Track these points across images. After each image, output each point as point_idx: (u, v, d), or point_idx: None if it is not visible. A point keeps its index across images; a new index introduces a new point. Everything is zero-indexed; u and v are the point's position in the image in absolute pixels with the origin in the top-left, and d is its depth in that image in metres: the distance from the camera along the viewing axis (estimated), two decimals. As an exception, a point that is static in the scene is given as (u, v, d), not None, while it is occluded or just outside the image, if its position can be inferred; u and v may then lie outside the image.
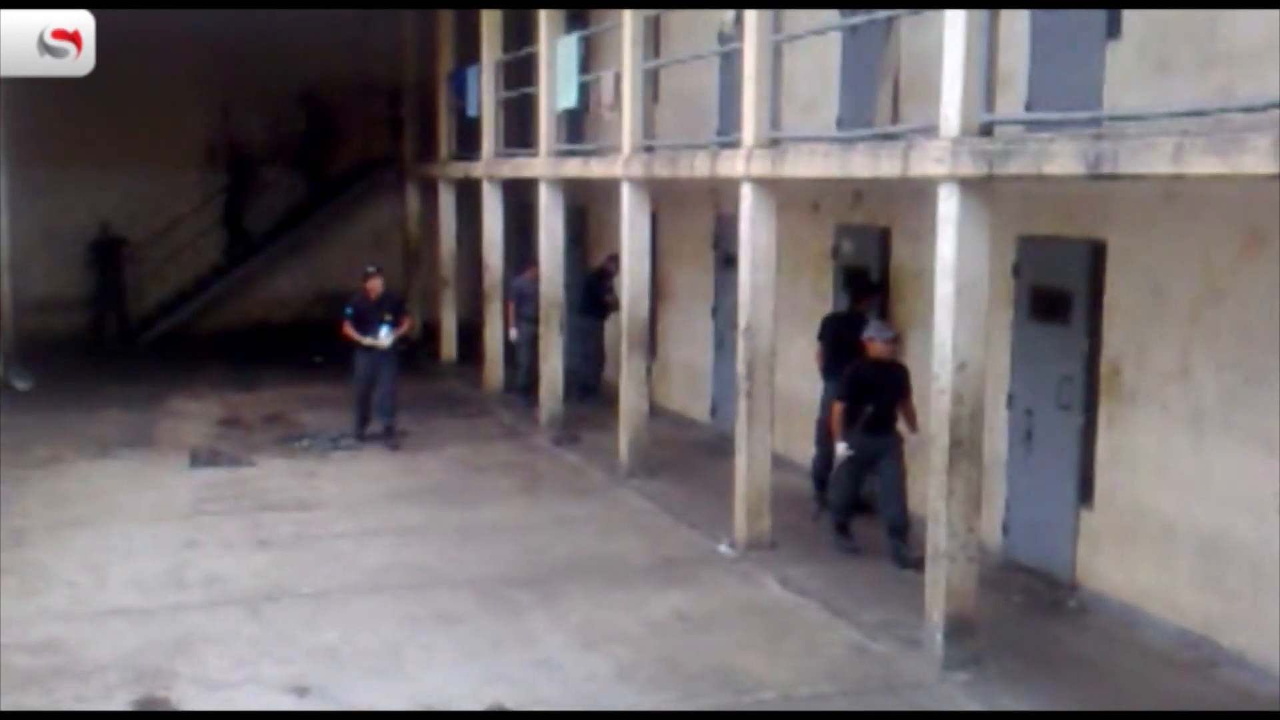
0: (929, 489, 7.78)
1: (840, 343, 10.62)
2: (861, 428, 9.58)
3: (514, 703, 7.08)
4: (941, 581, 7.62)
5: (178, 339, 21.89)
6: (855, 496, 10.00)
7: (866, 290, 11.05)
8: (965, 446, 7.56)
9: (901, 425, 9.68)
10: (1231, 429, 7.60)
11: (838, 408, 9.72)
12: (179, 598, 9.05)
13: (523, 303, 15.65)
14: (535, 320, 15.02)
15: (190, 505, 11.53)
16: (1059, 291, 9.05)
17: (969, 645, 7.64)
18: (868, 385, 9.62)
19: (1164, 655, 7.84)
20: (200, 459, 13.15)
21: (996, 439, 9.24)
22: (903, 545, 9.54)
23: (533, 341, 15.22)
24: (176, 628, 8.38)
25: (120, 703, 7.17)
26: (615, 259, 15.39)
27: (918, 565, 8.36)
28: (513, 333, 15.89)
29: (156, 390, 17.20)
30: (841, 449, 9.73)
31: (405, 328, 14.13)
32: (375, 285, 13.76)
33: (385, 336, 13.65)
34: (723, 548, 10.12)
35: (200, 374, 18.55)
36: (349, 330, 13.69)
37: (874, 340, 9.68)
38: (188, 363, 19.67)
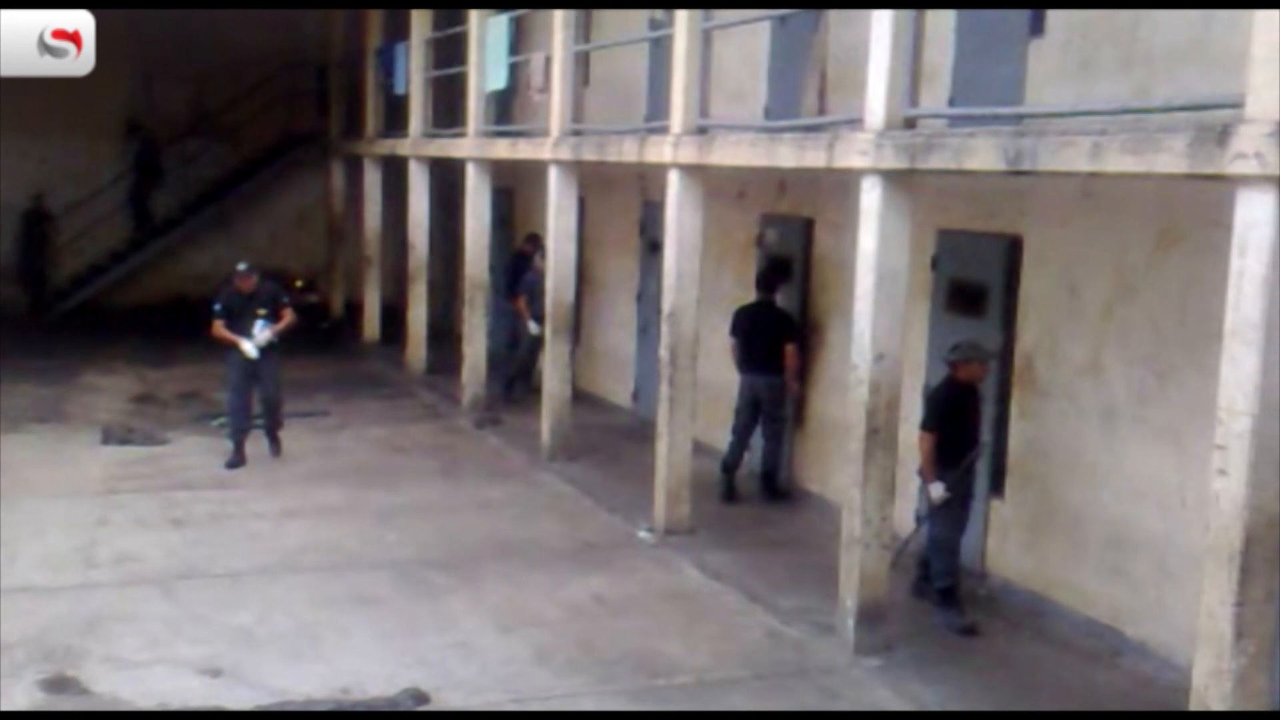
0: (845, 477, 7.88)
1: (755, 335, 10.74)
2: (956, 461, 8.15)
3: (431, 685, 7.07)
4: (855, 568, 7.72)
5: (92, 313, 21.49)
6: (959, 547, 8.39)
7: (776, 275, 11.02)
8: (881, 435, 7.67)
9: None
10: (1141, 423, 7.77)
11: (929, 441, 8.14)
12: (90, 576, 8.92)
13: (533, 300, 14.12)
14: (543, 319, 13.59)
15: (102, 482, 11.36)
16: (976, 285, 9.18)
17: (881, 631, 7.76)
18: (963, 414, 8.22)
19: (1070, 644, 8.01)
20: (113, 435, 12.94)
21: (911, 429, 9.35)
22: (955, 609, 8.27)
23: (538, 344, 13.88)
24: (87, 606, 8.26)
25: (28, 681, 7.06)
26: (534, 240, 15.38)
27: (972, 631, 8.09)
28: (533, 326, 14.26)
29: (69, 364, 16.90)
30: (938, 492, 8.12)
31: (286, 322, 12.20)
32: (246, 285, 12.11)
33: (260, 334, 11.98)
34: (642, 533, 10.17)
35: (115, 349, 18.24)
36: (220, 330, 12.06)
37: (971, 362, 8.19)
38: (102, 337, 19.32)
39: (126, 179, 21.88)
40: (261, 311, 12.11)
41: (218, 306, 12.10)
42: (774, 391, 10.90)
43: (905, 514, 9.40)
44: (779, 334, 10.78)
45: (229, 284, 12.25)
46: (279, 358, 12.35)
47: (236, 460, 11.97)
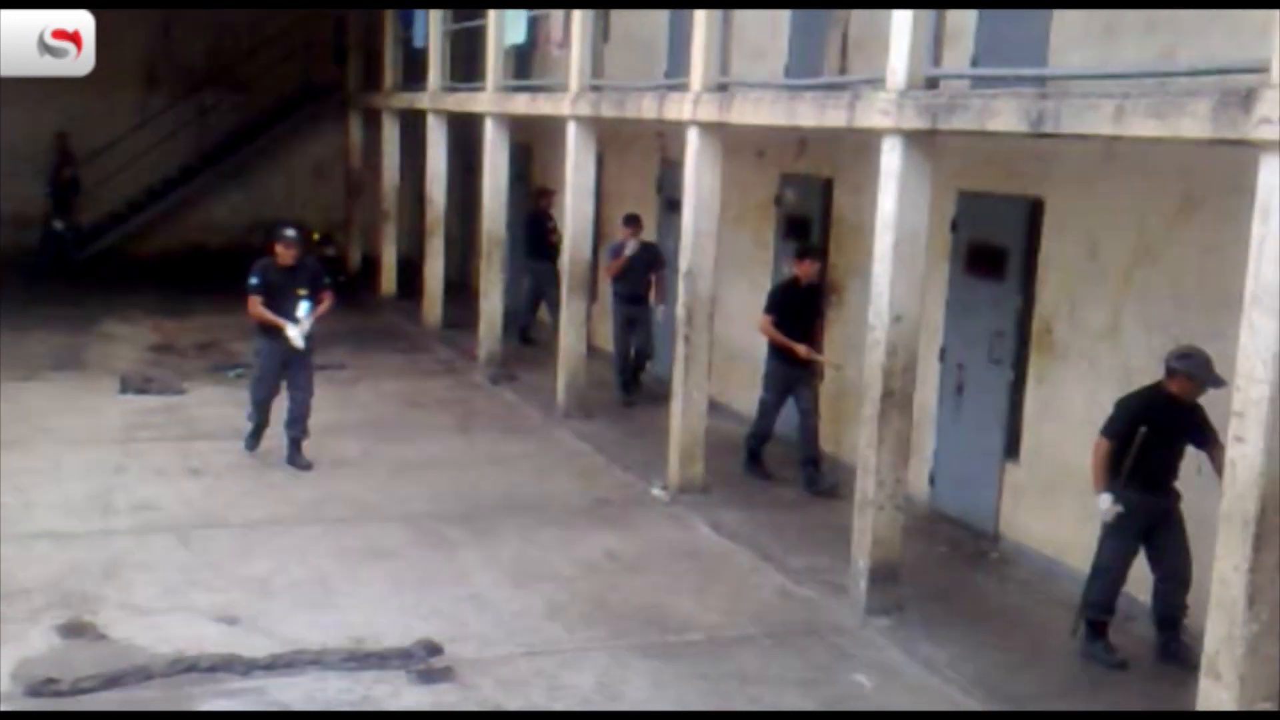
0: (859, 438, 7.89)
1: (790, 316, 10.07)
2: (1141, 482, 7.09)
3: (444, 637, 7.12)
4: (868, 529, 7.74)
5: (111, 262, 21.54)
6: (1122, 582, 7.35)
7: (807, 254, 10.24)
8: (897, 398, 7.67)
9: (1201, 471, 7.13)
10: (1157, 389, 7.74)
11: (1103, 448, 7.17)
12: (107, 523, 8.99)
13: (659, 284, 12.80)
14: (634, 299, 12.84)
15: (120, 431, 11.42)
16: (995, 248, 9.15)
17: (892, 592, 7.79)
18: (1155, 425, 7.02)
19: (1081, 607, 8.02)
20: (131, 385, 13.00)
21: (928, 391, 9.37)
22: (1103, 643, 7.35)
23: (629, 325, 13.00)
24: (104, 553, 8.33)
25: (45, 626, 7.15)
26: (546, 194, 15.37)
27: (1122, 666, 7.18)
28: (662, 312, 12.68)
29: (88, 313, 16.96)
30: (1106, 504, 7.14)
31: (326, 305, 10.53)
32: (287, 254, 10.34)
33: (306, 320, 10.29)
34: (656, 490, 10.20)
35: (133, 298, 18.30)
36: (259, 309, 10.27)
37: (1194, 379, 6.88)
38: (120, 286, 19.37)
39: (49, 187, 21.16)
40: (303, 291, 10.35)
41: (255, 280, 10.29)
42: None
43: (920, 475, 9.45)
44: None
45: (267, 254, 10.48)
46: (313, 356, 10.71)
47: (253, 444, 10.73)
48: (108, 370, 13.70)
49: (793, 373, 10.19)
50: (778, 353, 10.19)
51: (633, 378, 13.27)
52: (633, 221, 12.85)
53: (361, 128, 21.40)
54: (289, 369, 10.44)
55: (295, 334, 10.23)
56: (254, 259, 10.63)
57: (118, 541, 8.61)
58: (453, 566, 8.44)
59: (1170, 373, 6.99)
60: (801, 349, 10.01)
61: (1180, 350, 7.03)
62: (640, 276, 12.84)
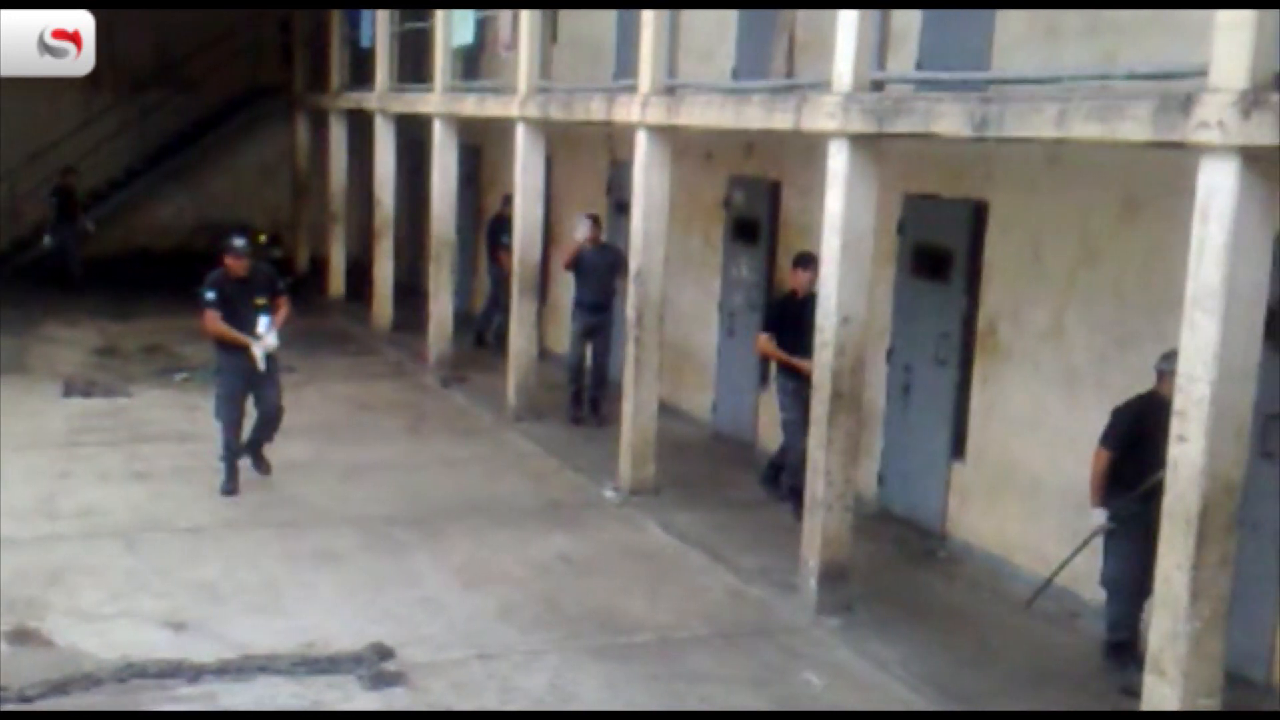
0: (809, 439, 7.94)
1: (792, 331, 9.18)
2: (1141, 493, 6.66)
3: (395, 640, 7.10)
4: (817, 529, 7.80)
5: (53, 264, 21.22)
6: (1141, 595, 6.75)
7: (804, 263, 9.34)
8: (845, 398, 7.73)
9: None
10: (1102, 389, 7.84)
11: (1103, 459, 6.98)
12: (52, 528, 8.90)
13: (576, 278, 12.25)
14: (594, 308, 12.05)
15: (64, 435, 11.30)
16: (941, 250, 9.24)
17: (842, 591, 7.85)
18: (1153, 430, 6.24)
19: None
20: (75, 388, 12.87)
21: (875, 392, 9.44)
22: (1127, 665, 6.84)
23: (588, 335, 12.19)
24: (49, 559, 8.25)
25: (-10, 634, 7.07)
26: (510, 201, 15.28)
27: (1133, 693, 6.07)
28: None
29: (30, 316, 16.74)
30: (1100, 518, 7.02)
31: (284, 313, 9.93)
32: (239, 265, 9.68)
33: (268, 335, 9.67)
34: (608, 492, 10.21)
35: (76, 301, 18.09)
36: (218, 325, 9.62)
37: (1175, 377, 5.75)
38: (64, 288, 19.13)
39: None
40: (260, 301, 9.75)
41: (211, 294, 9.64)
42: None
43: (868, 475, 9.53)
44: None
45: (218, 265, 9.82)
46: (279, 362, 10.21)
47: (231, 487, 9.82)
48: (51, 374, 13.55)
49: (807, 387, 8.50)
50: (787, 369, 9.32)
51: (591, 398, 12.35)
52: (592, 222, 12.28)
53: (309, 128, 21.26)
54: (254, 385, 9.85)
55: (259, 352, 9.66)
56: (200, 262, 10.49)
57: (63, 547, 8.52)
58: (404, 570, 8.42)
59: (1161, 375, 6.73)
60: (807, 365, 8.59)
61: (1168, 352, 6.50)
62: (602, 282, 12.04)
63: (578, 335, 12.30)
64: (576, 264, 12.11)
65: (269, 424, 10.02)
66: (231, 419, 9.89)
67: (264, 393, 9.88)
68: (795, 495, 8.94)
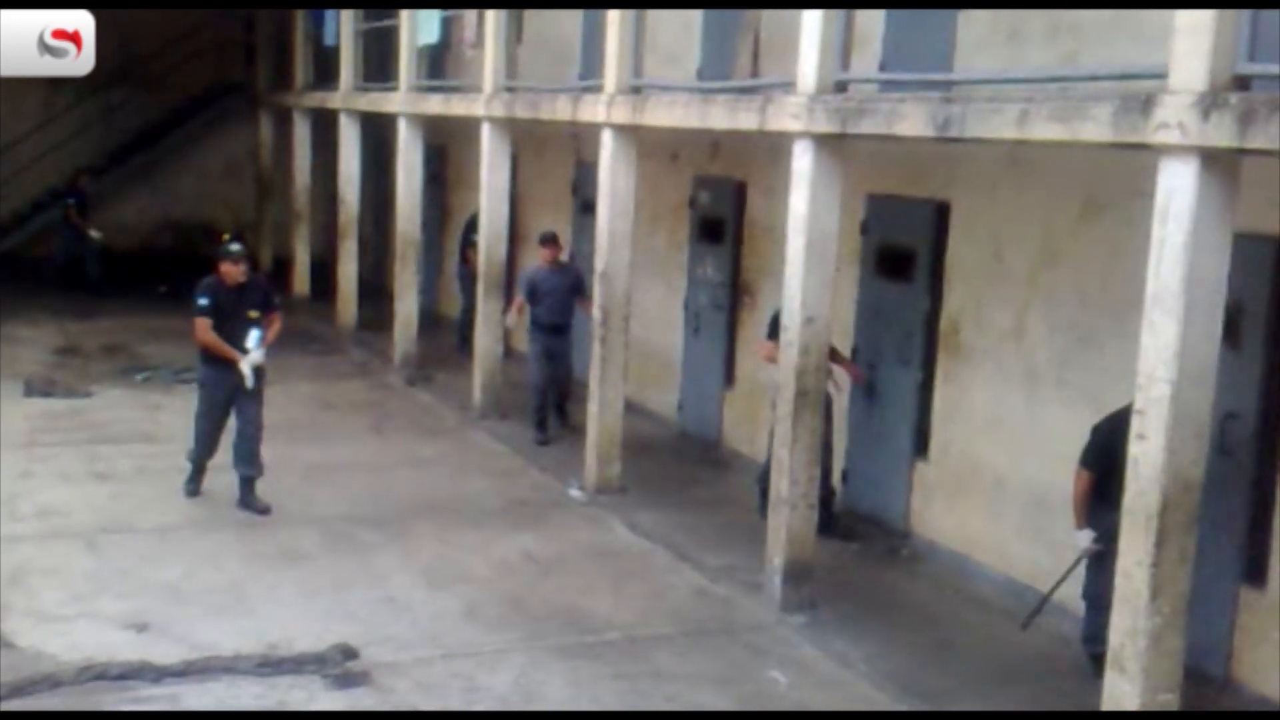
0: (774, 438, 7.97)
1: None
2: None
3: (360, 640, 7.08)
4: (782, 528, 7.83)
5: (13, 263, 21.03)
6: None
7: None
8: (810, 397, 7.77)
9: None
10: (1063, 387, 7.93)
11: (1084, 479, 6.91)
12: (12, 529, 8.80)
13: (533, 300, 11.71)
14: (552, 329, 11.60)
15: (25, 435, 11.18)
16: (904, 250, 9.29)
17: (806, 590, 7.89)
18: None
19: (991, 602, 8.19)
20: (35, 388, 12.74)
21: (840, 395, 9.47)
22: None
23: (548, 358, 11.68)
24: (9, 559, 8.15)
25: (-51, 636, 6.99)
26: None
27: None
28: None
29: (-10, 316, 16.58)
30: (1084, 540, 6.91)
31: (276, 329, 9.56)
32: (235, 271, 9.26)
33: (256, 351, 9.29)
34: (573, 491, 10.22)
35: (38, 300, 17.90)
36: (209, 335, 9.18)
37: None
38: (24, 288, 18.93)
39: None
40: (254, 314, 9.31)
41: (205, 301, 9.18)
42: None
43: (833, 474, 9.55)
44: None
45: (212, 273, 9.36)
46: (266, 376, 9.60)
47: (194, 488, 9.62)
48: (11, 373, 13.38)
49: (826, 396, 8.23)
50: None
51: (556, 405, 11.98)
52: (550, 242, 11.73)
53: (273, 127, 21.13)
54: (236, 400, 9.40)
55: (247, 369, 9.23)
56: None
57: (23, 548, 8.43)
58: (368, 569, 8.39)
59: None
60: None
61: None
62: (561, 302, 11.57)
63: (536, 356, 11.73)
64: (531, 291, 11.65)
65: (249, 454, 9.41)
66: (207, 431, 9.52)
67: (245, 408, 9.40)
68: (763, 494, 8.79)
